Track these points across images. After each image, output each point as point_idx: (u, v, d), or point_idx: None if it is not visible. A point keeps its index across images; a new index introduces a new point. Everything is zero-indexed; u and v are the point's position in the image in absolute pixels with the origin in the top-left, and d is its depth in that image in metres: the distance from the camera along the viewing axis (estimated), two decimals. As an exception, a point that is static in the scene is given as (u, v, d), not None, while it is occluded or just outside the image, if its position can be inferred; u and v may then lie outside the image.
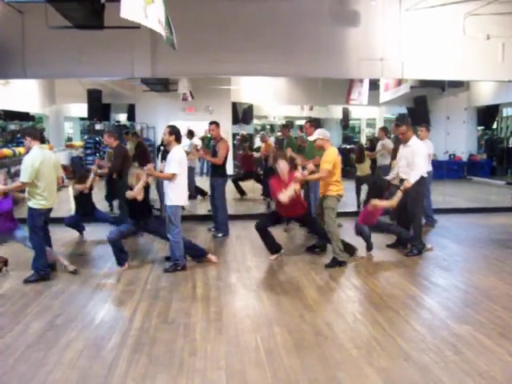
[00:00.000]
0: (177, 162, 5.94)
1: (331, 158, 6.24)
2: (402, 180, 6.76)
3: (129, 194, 6.00)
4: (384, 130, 9.81)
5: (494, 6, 8.48)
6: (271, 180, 6.47)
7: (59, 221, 7.75)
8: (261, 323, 4.40)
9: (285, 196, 6.06)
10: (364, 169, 9.23)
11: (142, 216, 6.14)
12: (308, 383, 3.34)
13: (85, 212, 7.79)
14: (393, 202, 6.38)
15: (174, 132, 6.07)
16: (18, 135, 13.32)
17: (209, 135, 12.59)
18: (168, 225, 6.02)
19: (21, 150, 11.44)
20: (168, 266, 6.05)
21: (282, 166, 6.31)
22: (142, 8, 4.29)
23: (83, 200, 7.73)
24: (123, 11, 4.08)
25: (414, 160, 6.54)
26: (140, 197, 5.98)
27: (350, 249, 6.50)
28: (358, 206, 9.17)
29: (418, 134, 7.90)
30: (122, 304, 4.91)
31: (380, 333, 4.16)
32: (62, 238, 7.60)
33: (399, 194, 6.42)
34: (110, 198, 9.56)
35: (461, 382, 3.34)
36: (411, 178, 6.46)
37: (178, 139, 6.16)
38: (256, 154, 12.29)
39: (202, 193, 11.37)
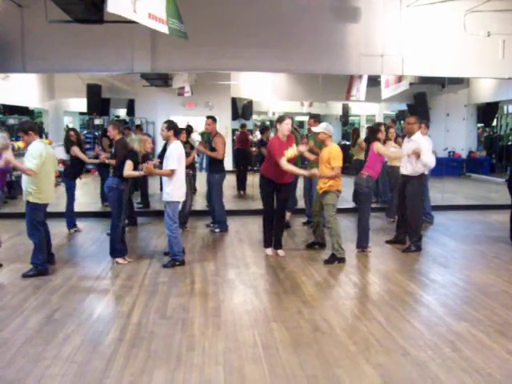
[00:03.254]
0: (175, 157, 5.88)
1: (337, 154, 6.18)
2: (403, 176, 6.76)
3: (126, 172, 5.94)
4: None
5: (495, 3, 8.46)
6: (272, 139, 6.43)
7: (58, 215, 7.76)
8: (259, 319, 4.40)
9: (288, 156, 6.15)
10: (356, 153, 9.86)
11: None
12: (306, 379, 3.35)
13: None
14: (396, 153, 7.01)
15: (172, 127, 5.99)
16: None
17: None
18: (166, 220, 6.02)
19: (20, 144, 11.39)
20: (166, 262, 6.05)
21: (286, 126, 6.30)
22: (130, 2, 4.27)
23: None
24: (110, 5, 4.07)
25: (421, 157, 6.48)
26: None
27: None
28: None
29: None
30: (120, 299, 4.91)
31: (378, 329, 4.17)
32: (60, 232, 7.60)
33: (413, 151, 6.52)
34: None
35: (458, 378, 3.35)
36: (424, 156, 6.44)
37: (177, 134, 6.13)
38: (253, 149, 12.31)
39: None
